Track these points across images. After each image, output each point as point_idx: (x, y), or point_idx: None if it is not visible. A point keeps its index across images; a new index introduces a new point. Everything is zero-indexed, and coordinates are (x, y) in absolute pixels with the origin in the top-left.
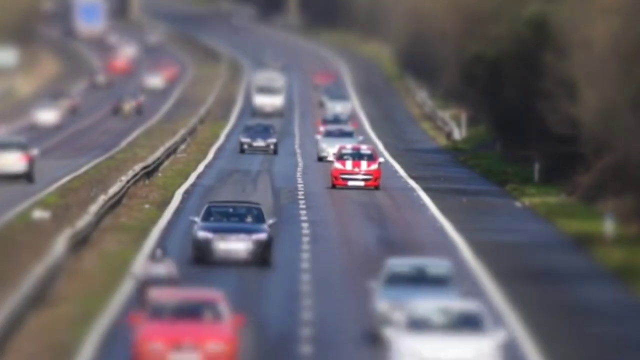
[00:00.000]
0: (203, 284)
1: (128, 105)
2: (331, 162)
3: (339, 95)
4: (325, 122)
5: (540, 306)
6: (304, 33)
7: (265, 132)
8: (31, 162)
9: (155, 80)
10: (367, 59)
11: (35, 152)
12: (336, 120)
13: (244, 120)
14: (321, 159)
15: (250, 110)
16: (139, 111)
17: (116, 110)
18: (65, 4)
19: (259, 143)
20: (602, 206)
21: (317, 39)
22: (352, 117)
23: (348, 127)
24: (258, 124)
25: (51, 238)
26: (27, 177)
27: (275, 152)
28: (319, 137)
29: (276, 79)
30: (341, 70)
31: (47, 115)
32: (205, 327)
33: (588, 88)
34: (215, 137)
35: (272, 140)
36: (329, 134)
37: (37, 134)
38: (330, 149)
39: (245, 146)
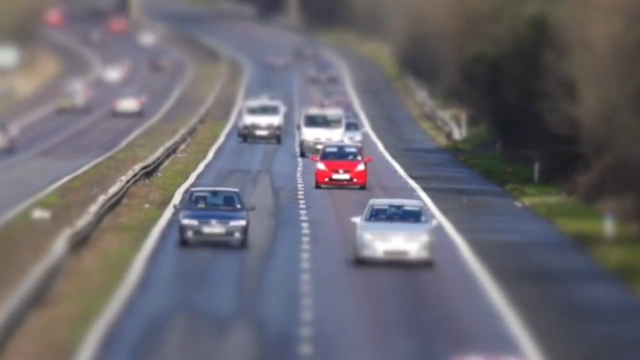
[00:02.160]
0: (202, 285)
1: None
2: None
3: (349, 124)
4: (326, 156)
5: (540, 306)
6: (304, 33)
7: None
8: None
9: (113, 74)
10: (367, 58)
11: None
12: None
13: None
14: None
15: (237, 133)
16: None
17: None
18: None
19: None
20: (602, 206)
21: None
22: (363, 149)
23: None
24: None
25: (51, 238)
26: None
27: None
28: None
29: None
30: (341, 70)
31: (113, 74)
32: None
33: (588, 88)
34: (215, 137)
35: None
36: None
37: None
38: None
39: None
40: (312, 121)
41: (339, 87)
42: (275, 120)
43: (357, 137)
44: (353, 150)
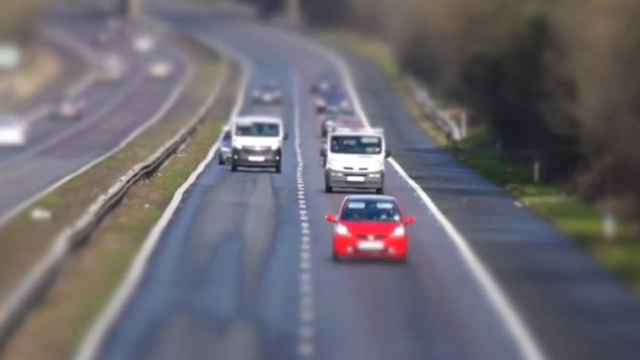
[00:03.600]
0: (201, 283)
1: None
2: None
3: None
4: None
5: (540, 306)
6: (304, 33)
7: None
8: None
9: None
10: (367, 59)
11: None
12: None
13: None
14: None
15: (218, 160)
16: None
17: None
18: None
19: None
20: (602, 206)
21: (317, 38)
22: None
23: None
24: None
25: (51, 238)
26: None
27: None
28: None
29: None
30: (341, 70)
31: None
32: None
33: (588, 88)
34: (215, 137)
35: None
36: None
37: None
38: None
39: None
40: (342, 145)
41: (350, 109)
42: (274, 142)
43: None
44: (388, 205)
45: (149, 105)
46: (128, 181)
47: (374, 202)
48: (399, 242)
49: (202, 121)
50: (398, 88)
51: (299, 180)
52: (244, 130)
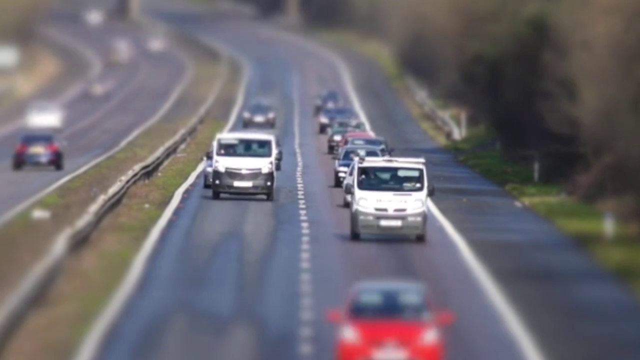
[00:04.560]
0: (201, 283)
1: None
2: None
3: None
4: (360, 311)
5: (540, 306)
6: (304, 33)
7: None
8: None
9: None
10: (366, 58)
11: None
12: (388, 307)
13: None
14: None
15: (204, 183)
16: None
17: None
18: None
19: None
20: (602, 206)
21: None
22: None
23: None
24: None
25: (51, 238)
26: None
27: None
28: None
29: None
30: (341, 70)
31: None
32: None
33: (588, 88)
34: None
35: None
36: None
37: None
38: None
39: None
40: (373, 179)
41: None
42: (265, 164)
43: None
44: (414, 298)
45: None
46: (128, 181)
47: (395, 293)
48: (429, 353)
49: (202, 121)
50: (398, 88)
51: (299, 180)
52: (228, 149)
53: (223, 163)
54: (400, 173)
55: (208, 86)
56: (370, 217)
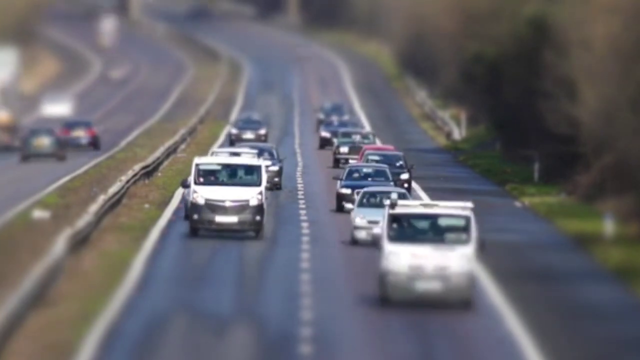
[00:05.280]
0: (200, 283)
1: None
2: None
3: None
4: None
5: (540, 306)
6: (304, 33)
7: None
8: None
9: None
10: (366, 58)
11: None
12: None
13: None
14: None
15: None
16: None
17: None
18: None
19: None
20: (602, 206)
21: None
22: None
23: None
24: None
25: (51, 238)
26: None
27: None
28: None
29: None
30: (341, 70)
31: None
32: None
33: (588, 88)
34: (215, 137)
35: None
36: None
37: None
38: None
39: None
40: (407, 228)
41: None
42: (253, 194)
43: None
44: None
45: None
46: (128, 181)
47: None
48: None
49: (202, 121)
50: (398, 88)
51: (299, 180)
52: (208, 176)
53: (202, 194)
54: (442, 221)
55: (208, 86)
56: (404, 278)
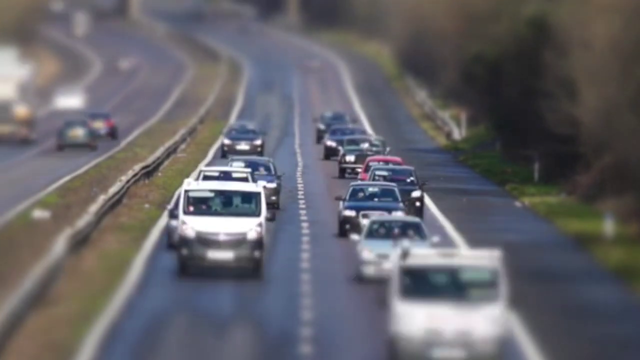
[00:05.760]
0: (200, 282)
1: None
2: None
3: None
4: None
5: (540, 305)
6: (304, 33)
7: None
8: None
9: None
10: (367, 58)
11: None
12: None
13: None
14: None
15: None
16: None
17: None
18: None
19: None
20: (602, 206)
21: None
22: None
23: None
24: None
25: (51, 238)
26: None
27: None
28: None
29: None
30: (341, 70)
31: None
32: None
33: (588, 88)
34: (215, 137)
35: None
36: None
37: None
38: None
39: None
40: (423, 283)
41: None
42: (251, 226)
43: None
44: None
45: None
46: (128, 181)
47: None
48: None
49: (202, 121)
50: (398, 88)
51: (299, 180)
52: (199, 205)
53: (193, 225)
54: (464, 275)
55: (208, 86)
56: (418, 342)
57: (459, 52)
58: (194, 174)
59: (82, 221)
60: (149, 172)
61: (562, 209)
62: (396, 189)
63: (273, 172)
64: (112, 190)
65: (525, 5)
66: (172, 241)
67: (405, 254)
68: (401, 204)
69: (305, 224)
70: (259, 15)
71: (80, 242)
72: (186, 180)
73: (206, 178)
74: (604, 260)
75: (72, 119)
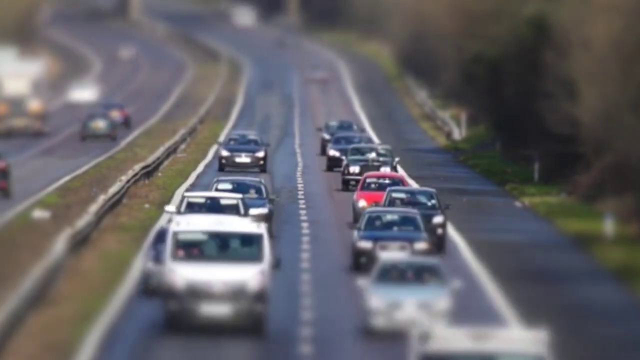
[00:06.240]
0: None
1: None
2: None
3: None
4: None
5: (539, 306)
6: (304, 33)
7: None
8: None
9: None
10: (367, 58)
11: None
12: None
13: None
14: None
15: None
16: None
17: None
18: None
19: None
20: (602, 206)
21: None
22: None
23: None
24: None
25: (51, 238)
26: None
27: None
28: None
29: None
30: (341, 70)
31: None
32: None
33: (588, 88)
34: (215, 137)
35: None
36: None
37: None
38: None
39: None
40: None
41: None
42: (252, 274)
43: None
44: None
45: None
46: (128, 181)
47: None
48: None
49: (202, 121)
50: (398, 88)
51: (299, 180)
52: (189, 248)
53: (183, 274)
54: None
55: (208, 86)
56: None
57: (459, 52)
58: (176, 200)
59: (82, 221)
60: (149, 172)
61: (562, 209)
62: (418, 217)
63: (264, 195)
64: (112, 190)
65: (525, 5)
66: (147, 286)
67: (425, 337)
68: (424, 234)
69: (305, 224)
70: (259, 15)
71: (80, 242)
72: (175, 220)
73: (190, 206)
74: (604, 260)
75: (94, 111)
